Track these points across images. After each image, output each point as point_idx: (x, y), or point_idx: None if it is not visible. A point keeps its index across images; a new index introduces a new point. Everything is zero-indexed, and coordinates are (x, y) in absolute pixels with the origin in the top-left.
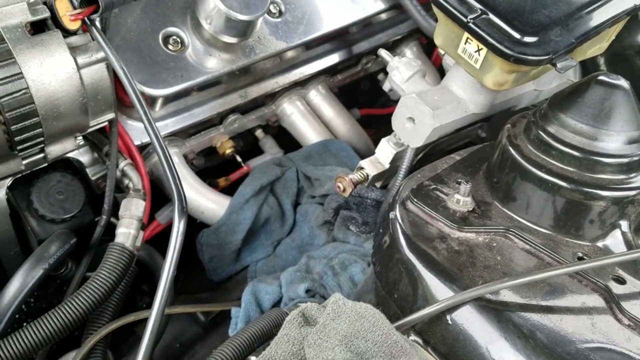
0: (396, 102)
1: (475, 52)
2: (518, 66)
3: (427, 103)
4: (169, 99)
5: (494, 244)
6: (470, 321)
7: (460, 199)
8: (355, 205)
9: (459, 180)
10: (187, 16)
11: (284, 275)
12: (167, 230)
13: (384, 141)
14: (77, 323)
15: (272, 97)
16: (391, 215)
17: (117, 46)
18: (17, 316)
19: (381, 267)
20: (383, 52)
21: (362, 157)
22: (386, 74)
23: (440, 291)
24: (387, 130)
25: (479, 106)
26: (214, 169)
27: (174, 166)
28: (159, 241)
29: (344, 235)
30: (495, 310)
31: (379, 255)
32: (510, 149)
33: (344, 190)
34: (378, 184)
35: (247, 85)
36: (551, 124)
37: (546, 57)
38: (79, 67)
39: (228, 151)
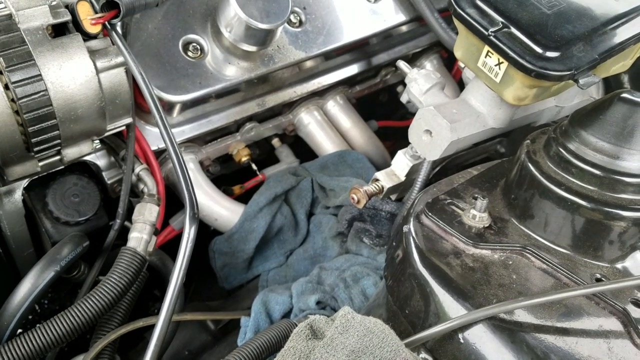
0: (414, 114)
1: (496, 65)
2: (539, 81)
3: (445, 116)
4: (186, 106)
5: (510, 262)
6: (483, 341)
7: (476, 215)
8: (370, 218)
9: (476, 195)
10: (207, 23)
11: (295, 285)
12: (181, 236)
13: (400, 153)
14: (85, 326)
15: (289, 106)
16: (405, 228)
17: (137, 51)
18: (30, 317)
19: (393, 282)
20: (402, 64)
21: (379, 168)
22: (405, 86)
23: (452, 308)
24: (404, 143)
25: (498, 121)
26: (229, 177)
27: (188, 172)
28: (172, 247)
29: (357, 247)
30: (509, 331)
31: (391, 269)
32: (530, 165)
33: (359, 201)
34: (393, 197)
35: (265, 94)
36: (572, 141)
37: (568, 72)
38: (98, 71)
39: (244, 159)
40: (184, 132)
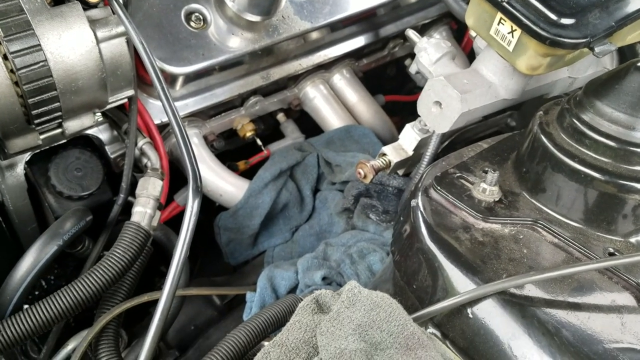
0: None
1: (509, 33)
2: (553, 49)
3: (455, 86)
4: (189, 78)
5: (521, 236)
6: (492, 315)
7: (486, 188)
8: (376, 193)
9: (486, 168)
10: None
11: (300, 261)
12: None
13: (408, 127)
14: (89, 301)
15: (294, 79)
16: (413, 202)
17: (139, 22)
18: (37, 293)
19: (400, 257)
20: (411, 33)
21: (385, 144)
22: (413, 59)
23: (461, 283)
24: (412, 118)
25: (510, 91)
26: (234, 152)
27: (191, 145)
28: (177, 223)
29: (364, 223)
30: (519, 305)
31: (399, 244)
32: (542, 137)
33: (365, 176)
34: (400, 172)
35: (269, 67)
36: (586, 112)
37: (584, 40)
38: (98, 41)
39: (248, 134)
40: (187, 106)
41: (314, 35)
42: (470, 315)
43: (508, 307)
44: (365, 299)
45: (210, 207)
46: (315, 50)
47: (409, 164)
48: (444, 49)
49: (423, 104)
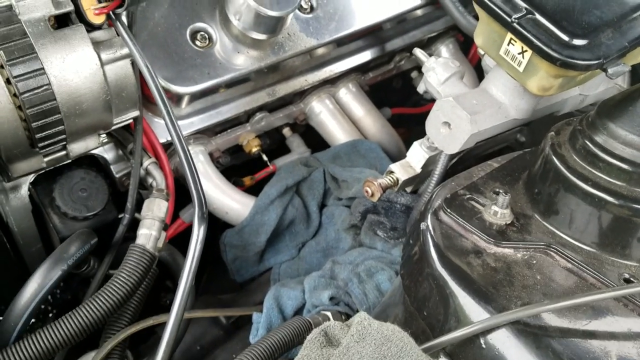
0: (429, 101)
1: (519, 54)
2: (565, 71)
3: (464, 107)
4: (195, 97)
5: (534, 262)
6: (507, 346)
7: (497, 211)
8: (384, 210)
9: (497, 190)
10: (215, 11)
11: (307, 280)
12: (191, 229)
13: (416, 145)
14: (95, 326)
15: (300, 95)
16: (422, 225)
17: (144, 42)
18: (42, 307)
19: (410, 281)
20: (418, 52)
21: (392, 158)
22: (420, 72)
23: (474, 311)
24: (419, 130)
25: (521, 111)
26: (239, 167)
27: (196, 171)
28: (183, 240)
29: (371, 240)
30: (533, 335)
31: (408, 268)
32: (554, 158)
33: (373, 195)
34: (408, 189)
35: (275, 83)
36: (599, 134)
37: (596, 61)
38: (102, 63)
39: (254, 150)
40: (192, 124)
41: (320, 51)
42: (484, 346)
43: (522, 337)
44: (375, 332)
45: (216, 223)
46: (321, 66)
47: (417, 181)
48: (452, 69)
49: (432, 124)
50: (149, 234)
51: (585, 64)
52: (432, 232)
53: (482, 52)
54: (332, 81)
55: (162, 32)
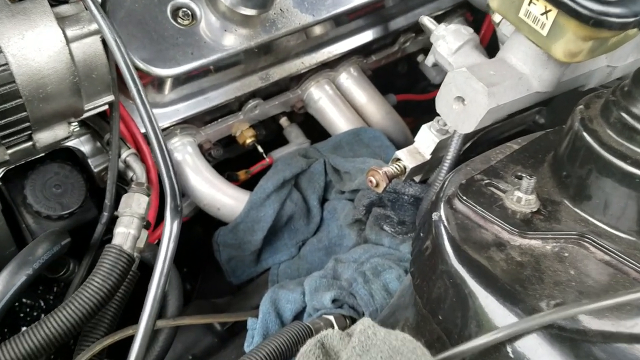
0: (438, 86)
1: (542, 14)
2: (598, 31)
3: (480, 78)
4: (179, 81)
5: (566, 254)
6: (539, 354)
7: (521, 197)
8: (390, 202)
9: (519, 173)
10: None
11: (308, 281)
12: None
13: (424, 128)
14: (65, 337)
15: (297, 80)
16: (434, 216)
17: (120, 20)
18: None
19: (422, 280)
20: (426, 19)
21: (399, 147)
22: (426, 54)
23: (498, 314)
24: (426, 118)
25: (544, 83)
26: (234, 161)
27: (168, 154)
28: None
29: (377, 236)
30: (570, 341)
31: (419, 265)
32: (585, 135)
33: (377, 185)
34: (417, 178)
35: (268, 66)
36: (638, 104)
37: (634, 18)
38: (68, 41)
39: (248, 141)
40: (178, 112)
41: (317, 30)
42: (511, 355)
43: (557, 343)
44: (381, 343)
45: (210, 221)
46: (319, 47)
47: (427, 169)
48: (465, 36)
49: (443, 100)
50: (127, 232)
51: (620, 22)
52: (446, 223)
53: (497, 20)
54: (331, 65)
55: (140, 9)
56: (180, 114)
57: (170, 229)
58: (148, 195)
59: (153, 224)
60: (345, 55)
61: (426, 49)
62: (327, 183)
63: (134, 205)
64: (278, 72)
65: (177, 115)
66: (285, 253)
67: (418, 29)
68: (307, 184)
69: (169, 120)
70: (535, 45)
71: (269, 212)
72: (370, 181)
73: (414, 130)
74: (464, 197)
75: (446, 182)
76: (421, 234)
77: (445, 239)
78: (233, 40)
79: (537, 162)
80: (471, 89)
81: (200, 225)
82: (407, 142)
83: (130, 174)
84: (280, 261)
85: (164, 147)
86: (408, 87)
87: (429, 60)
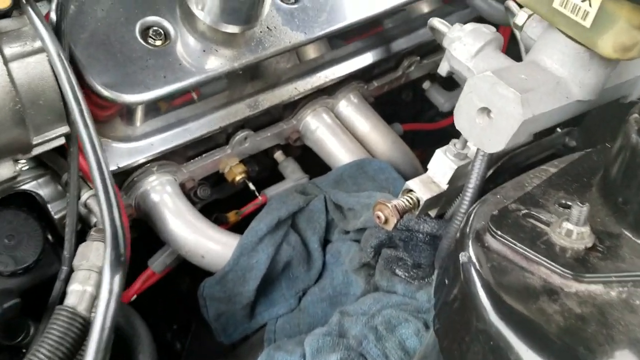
0: (448, 115)
1: (584, 1)
2: None
3: (510, 84)
4: (153, 110)
5: (637, 302)
6: None
7: (572, 230)
8: (403, 242)
9: (563, 201)
10: (174, 2)
11: (309, 340)
12: (172, 279)
13: (439, 153)
14: None
15: (291, 108)
16: (462, 257)
17: (82, 41)
18: None
19: (451, 342)
20: (435, 21)
21: (408, 180)
22: (432, 80)
23: None
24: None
25: (586, 89)
26: (224, 202)
27: (113, 192)
28: (157, 294)
29: (389, 282)
30: None
31: (447, 322)
32: None
33: (387, 221)
34: (432, 212)
35: (257, 93)
36: None
37: None
38: (6, 60)
39: (238, 178)
40: (152, 146)
41: (310, 51)
42: None
43: None
44: None
45: (198, 270)
46: (314, 71)
47: (443, 201)
48: (486, 36)
49: (463, 113)
50: (82, 290)
51: None
52: (478, 266)
53: (520, 22)
54: (329, 91)
55: (103, 28)
56: (156, 148)
57: (109, 287)
58: None
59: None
60: (343, 81)
61: (432, 75)
62: (328, 222)
63: (92, 257)
64: (268, 99)
65: (151, 149)
66: (283, 305)
67: (422, 52)
68: (306, 224)
69: (142, 155)
70: (575, 41)
71: (262, 258)
72: (378, 217)
73: (423, 163)
74: (498, 232)
75: (472, 215)
76: (446, 281)
77: (479, 286)
78: (214, 62)
79: (583, 186)
80: (499, 97)
81: (188, 275)
82: (416, 174)
83: (94, 219)
84: (277, 315)
85: (107, 179)
86: (414, 116)
87: (443, 68)
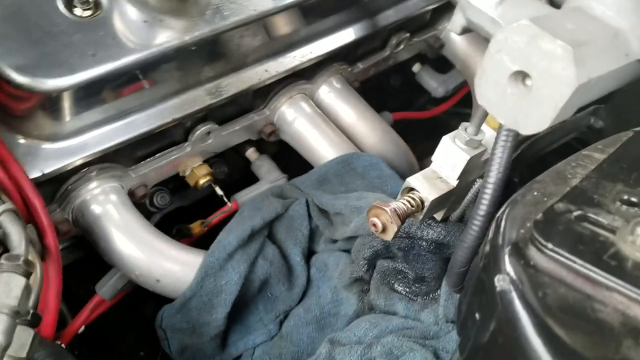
0: (441, 102)
1: None
2: None
3: (557, 35)
4: (83, 98)
5: None
6: None
7: None
8: (402, 252)
9: (627, 196)
10: None
11: None
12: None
13: (447, 140)
14: None
15: (263, 96)
16: (499, 282)
17: None
18: None
19: None
20: None
21: (404, 177)
22: (422, 61)
23: None
24: (431, 145)
25: None
26: (189, 211)
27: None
28: (110, 324)
29: (387, 300)
30: None
31: None
32: None
33: (385, 230)
34: (438, 215)
35: (219, 76)
36: None
37: None
38: None
39: (202, 181)
40: (87, 145)
41: (282, 24)
42: None
43: None
44: None
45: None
46: (287, 50)
47: (452, 201)
48: None
49: (488, 82)
50: None
51: None
52: (525, 295)
53: None
54: (306, 75)
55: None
56: (92, 148)
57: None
58: (26, 275)
59: (54, 312)
60: (323, 62)
61: (423, 55)
62: (312, 230)
63: (1, 294)
64: (233, 84)
65: (86, 149)
66: (260, 332)
67: (412, 28)
68: (286, 234)
69: (75, 157)
70: None
71: (233, 279)
72: (374, 225)
73: (419, 159)
74: (549, 245)
75: (503, 221)
76: (477, 316)
77: (529, 325)
78: (158, 35)
79: None
80: (542, 55)
81: (151, 299)
82: (411, 169)
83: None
84: (254, 344)
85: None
86: (404, 105)
87: (455, 24)
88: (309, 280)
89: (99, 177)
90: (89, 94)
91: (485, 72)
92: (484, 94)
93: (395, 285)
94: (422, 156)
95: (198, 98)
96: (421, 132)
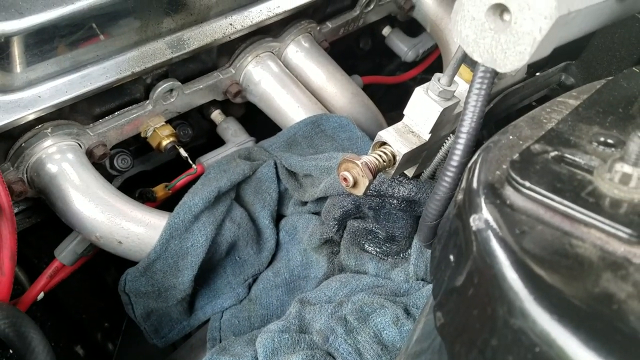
0: (411, 67)
1: None
2: None
3: None
4: (35, 48)
5: None
6: None
7: (630, 174)
8: (373, 211)
9: (603, 138)
10: None
11: (262, 339)
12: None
13: (419, 92)
14: None
15: (228, 53)
16: (474, 222)
17: None
18: None
19: (467, 345)
20: None
21: (372, 137)
22: (393, 25)
23: None
24: (398, 114)
25: None
26: (152, 175)
27: None
28: (72, 290)
29: (358, 260)
30: None
31: (456, 316)
32: None
33: (356, 184)
34: (409, 172)
35: (180, 28)
36: None
37: None
38: None
39: (165, 142)
40: (40, 99)
41: None
42: None
43: None
44: None
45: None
46: (254, 3)
47: (423, 156)
48: None
49: (466, 17)
50: None
51: None
52: (502, 232)
53: None
54: (274, 32)
55: None
56: (45, 102)
57: None
58: None
59: (9, 274)
60: (291, 18)
61: (393, 17)
62: (281, 193)
63: None
64: (196, 38)
65: (39, 103)
66: (229, 296)
67: None
68: (254, 196)
69: (26, 111)
70: None
71: (199, 240)
72: (345, 179)
73: (390, 123)
74: (526, 183)
75: (477, 165)
76: (450, 258)
77: (507, 262)
78: None
79: (621, 119)
80: None
81: (113, 264)
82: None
83: None
84: (222, 308)
85: None
86: (373, 70)
87: None
88: (277, 243)
89: (55, 134)
90: (41, 42)
91: (463, 6)
92: (460, 31)
93: (366, 246)
94: (390, 124)
95: (158, 51)
96: (393, 96)
